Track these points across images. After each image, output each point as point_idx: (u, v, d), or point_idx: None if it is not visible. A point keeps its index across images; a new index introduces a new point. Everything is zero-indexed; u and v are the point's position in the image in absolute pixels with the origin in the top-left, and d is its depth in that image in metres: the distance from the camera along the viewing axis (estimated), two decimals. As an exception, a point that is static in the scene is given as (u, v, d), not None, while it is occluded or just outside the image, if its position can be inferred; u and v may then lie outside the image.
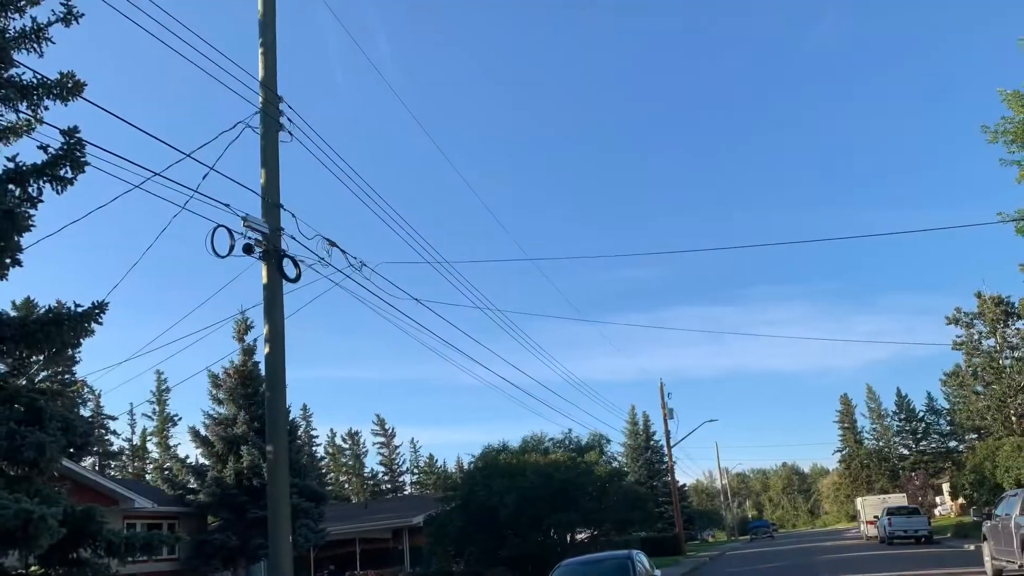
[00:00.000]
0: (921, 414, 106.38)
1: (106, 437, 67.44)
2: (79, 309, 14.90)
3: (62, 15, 13.94)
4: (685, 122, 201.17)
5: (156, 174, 12.34)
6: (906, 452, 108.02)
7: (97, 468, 60.36)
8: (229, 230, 12.61)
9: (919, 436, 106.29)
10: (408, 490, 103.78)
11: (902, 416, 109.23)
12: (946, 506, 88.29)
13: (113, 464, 72.21)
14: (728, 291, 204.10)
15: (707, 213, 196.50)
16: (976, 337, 74.92)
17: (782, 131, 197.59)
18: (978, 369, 73.82)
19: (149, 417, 77.35)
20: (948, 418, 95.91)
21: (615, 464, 53.25)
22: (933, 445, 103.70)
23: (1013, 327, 73.62)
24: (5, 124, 14.45)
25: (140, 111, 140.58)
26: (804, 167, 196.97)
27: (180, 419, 76.63)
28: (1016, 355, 71.76)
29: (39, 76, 13.79)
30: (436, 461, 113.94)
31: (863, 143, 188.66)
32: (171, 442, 74.97)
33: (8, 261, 14.25)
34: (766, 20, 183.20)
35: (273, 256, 13.68)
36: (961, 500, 71.80)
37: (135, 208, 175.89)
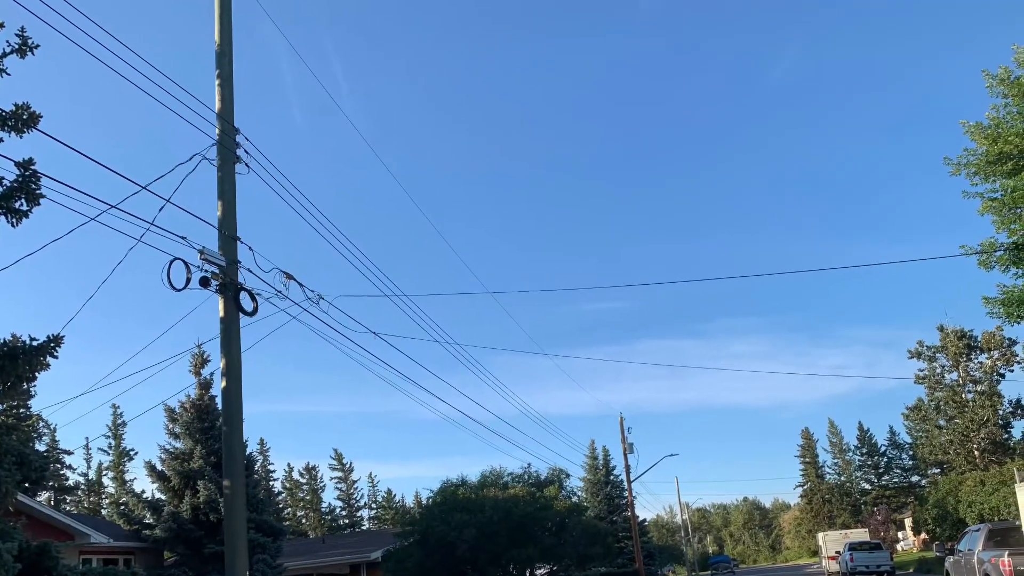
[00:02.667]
0: (883, 448, 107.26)
1: (62, 472, 66.28)
2: (34, 343, 14.68)
3: (17, 46, 13.75)
4: (649, 152, 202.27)
5: (112, 206, 12.20)
6: (868, 487, 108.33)
7: (52, 503, 59.34)
8: (186, 263, 12.46)
9: (881, 471, 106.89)
10: (366, 525, 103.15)
11: (864, 450, 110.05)
12: (908, 541, 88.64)
13: (69, 499, 71.02)
14: (691, 324, 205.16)
15: (672, 244, 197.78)
16: (939, 371, 75.55)
17: (747, 162, 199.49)
18: (940, 403, 74.36)
19: (105, 452, 76.38)
20: (910, 452, 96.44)
21: (575, 499, 53.06)
22: (895, 480, 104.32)
23: (976, 361, 74.32)
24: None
25: (96, 143, 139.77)
26: (769, 197, 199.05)
27: (136, 454, 75.77)
28: (979, 389, 72.34)
29: (-7, 108, 13.62)
30: (394, 496, 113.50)
31: (828, 174, 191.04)
32: (127, 477, 74.04)
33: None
34: (731, 51, 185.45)
35: (230, 289, 13.54)
36: (924, 535, 72.18)
37: (91, 240, 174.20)
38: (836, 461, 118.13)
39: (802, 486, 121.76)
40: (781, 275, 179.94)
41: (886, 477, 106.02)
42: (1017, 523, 24.46)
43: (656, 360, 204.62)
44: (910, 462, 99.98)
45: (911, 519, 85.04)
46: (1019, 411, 71.33)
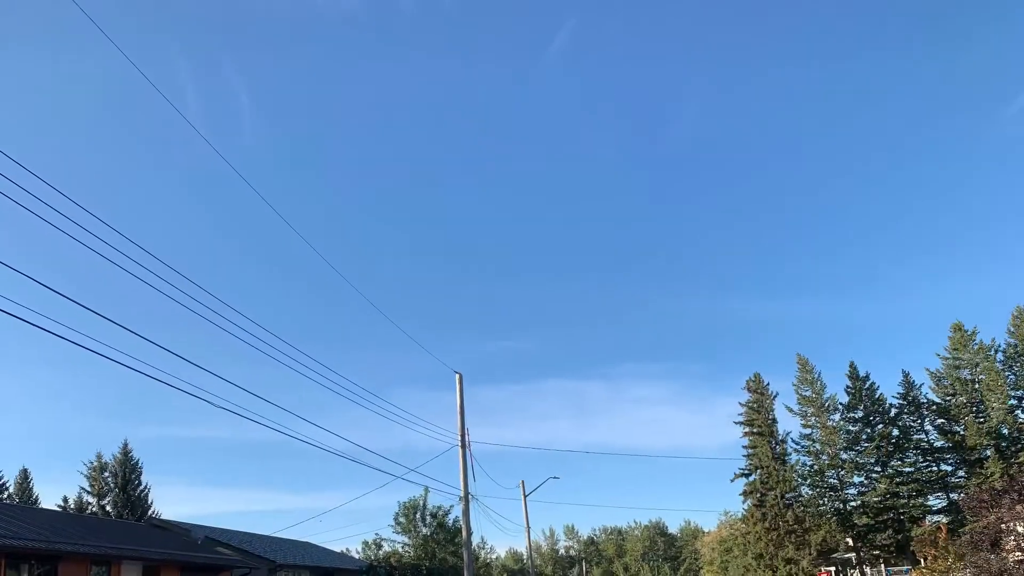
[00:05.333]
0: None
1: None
2: None
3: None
4: (565, 190, 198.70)
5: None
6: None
7: None
8: None
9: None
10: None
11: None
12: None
13: None
14: (595, 367, 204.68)
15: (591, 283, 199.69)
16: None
17: (655, 211, 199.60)
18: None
19: None
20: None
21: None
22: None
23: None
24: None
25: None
26: (683, 246, 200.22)
27: None
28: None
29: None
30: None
31: (731, 230, 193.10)
32: None
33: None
34: (636, 101, 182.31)
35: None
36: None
37: None
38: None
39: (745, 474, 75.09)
40: (687, 325, 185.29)
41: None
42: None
43: (563, 400, 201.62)
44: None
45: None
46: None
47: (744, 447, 73.04)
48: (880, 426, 74.18)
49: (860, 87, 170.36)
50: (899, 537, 68.85)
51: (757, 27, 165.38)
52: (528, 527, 68.40)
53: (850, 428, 75.32)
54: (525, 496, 66.10)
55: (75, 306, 13.44)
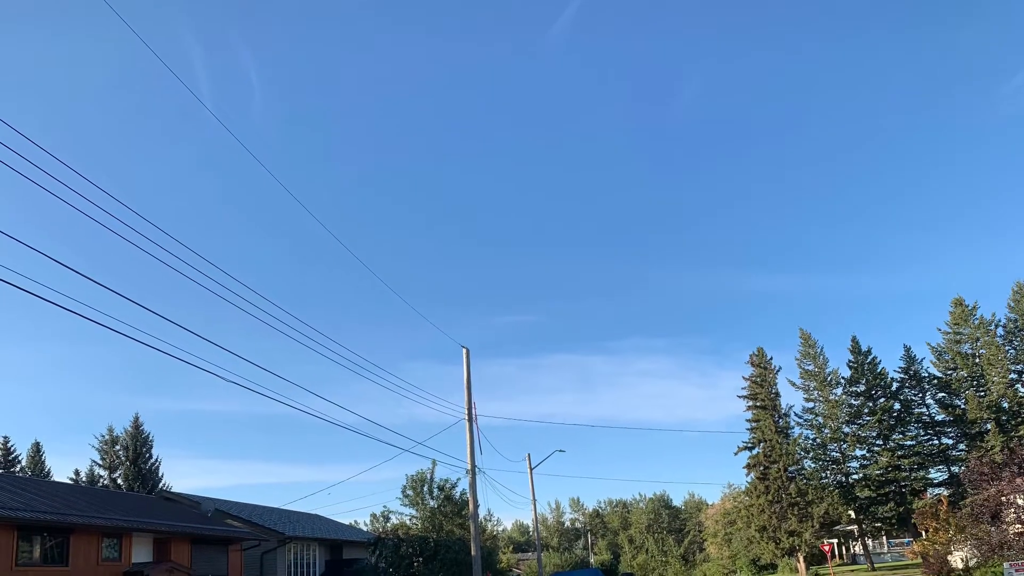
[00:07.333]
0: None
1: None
2: None
3: None
4: (570, 165, 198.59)
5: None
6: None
7: None
8: None
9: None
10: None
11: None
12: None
13: None
14: (600, 341, 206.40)
15: (589, 260, 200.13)
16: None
17: (660, 186, 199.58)
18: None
19: None
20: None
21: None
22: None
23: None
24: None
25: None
26: (684, 223, 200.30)
27: None
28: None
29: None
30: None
31: (732, 205, 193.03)
32: None
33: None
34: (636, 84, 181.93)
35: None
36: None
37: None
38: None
39: (748, 447, 73.24)
40: (691, 299, 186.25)
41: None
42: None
43: (567, 375, 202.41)
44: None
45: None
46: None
47: (747, 420, 72.89)
48: (882, 400, 75.22)
49: (861, 64, 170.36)
50: (900, 510, 69.94)
51: (760, 4, 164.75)
52: (534, 500, 69.28)
53: (852, 402, 76.52)
54: (531, 469, 66.81)
55: (87, 281, 13.79)
